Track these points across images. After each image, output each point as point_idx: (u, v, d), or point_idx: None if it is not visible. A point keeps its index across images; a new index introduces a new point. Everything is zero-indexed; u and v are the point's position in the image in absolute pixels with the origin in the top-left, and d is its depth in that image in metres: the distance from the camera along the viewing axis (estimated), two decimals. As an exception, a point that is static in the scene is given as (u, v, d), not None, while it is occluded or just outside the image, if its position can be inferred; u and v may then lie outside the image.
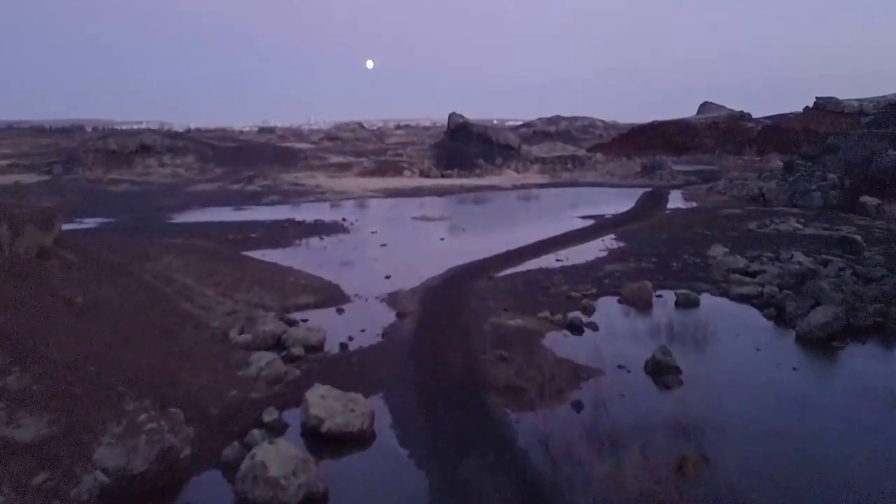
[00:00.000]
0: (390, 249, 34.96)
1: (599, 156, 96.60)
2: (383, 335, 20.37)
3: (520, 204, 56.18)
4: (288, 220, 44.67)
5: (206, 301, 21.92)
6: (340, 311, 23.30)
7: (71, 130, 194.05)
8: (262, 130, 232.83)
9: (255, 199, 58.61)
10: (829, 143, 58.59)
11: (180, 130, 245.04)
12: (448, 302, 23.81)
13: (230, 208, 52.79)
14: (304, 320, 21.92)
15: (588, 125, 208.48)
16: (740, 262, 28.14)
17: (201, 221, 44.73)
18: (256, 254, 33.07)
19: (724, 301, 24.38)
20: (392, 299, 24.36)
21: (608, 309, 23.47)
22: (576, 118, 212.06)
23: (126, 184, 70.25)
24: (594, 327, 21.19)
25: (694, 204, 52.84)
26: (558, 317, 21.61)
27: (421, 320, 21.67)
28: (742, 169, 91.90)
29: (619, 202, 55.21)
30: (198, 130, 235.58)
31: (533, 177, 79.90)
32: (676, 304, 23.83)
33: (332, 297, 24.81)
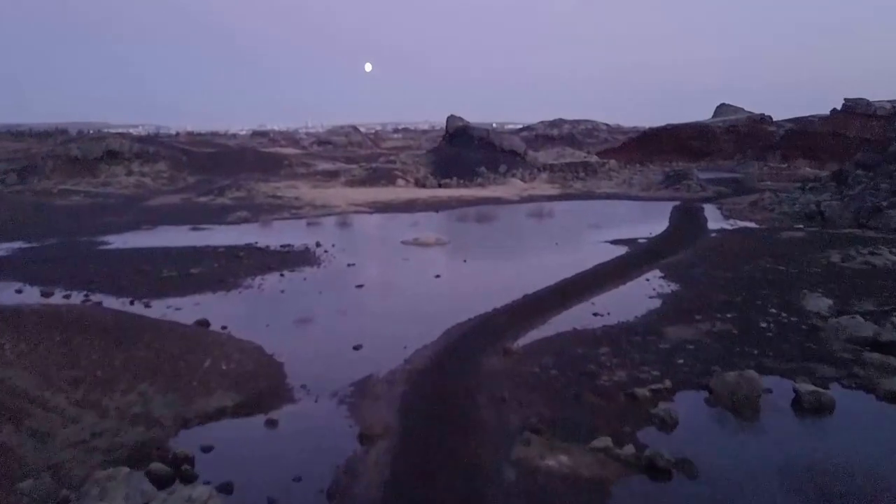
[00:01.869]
0: (368, 294, 26.38)
1: (613, 163, 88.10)
2: (331, 494, 11.77)
3: (531, 222, 47.64)
4: (248, 247, 36.06)
5: (45, 420, 13.34)
6: (272, 425, 14.68)
7: (53, 134, 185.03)
8: (255, 134, 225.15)
9: (220, 215, 50.03)
10: (893, 149, 50.09)
11: (175, 133, 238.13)
12: (444, 406, 15.23)
13: (187, 228, 44.20)
14: (207, 449, 13.35)
15: (592, 128, 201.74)
16: (865, 326, 19.53)
17: (140, 248, 36.13)
18: (186, 301, 24.63)
19: (871, 401, 15.77)
20: (357, 399, 15.78)
21: (697, 420, 14.87)
22: (578, 121, 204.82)
23: (78, 196, 61.63)
24: (688, 468, 12.55)
25: (740, 223, 44.29)
26: (627, 448, 12.98)
27: (399, 453, 13.06)
28: (772, 177, 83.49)
29: (648, 220, 46.68)
30: (189, 134, 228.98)
31: (542, 187, 71.37)
32: (798, 406, 15.30)
33: (265, 391, 16.21)
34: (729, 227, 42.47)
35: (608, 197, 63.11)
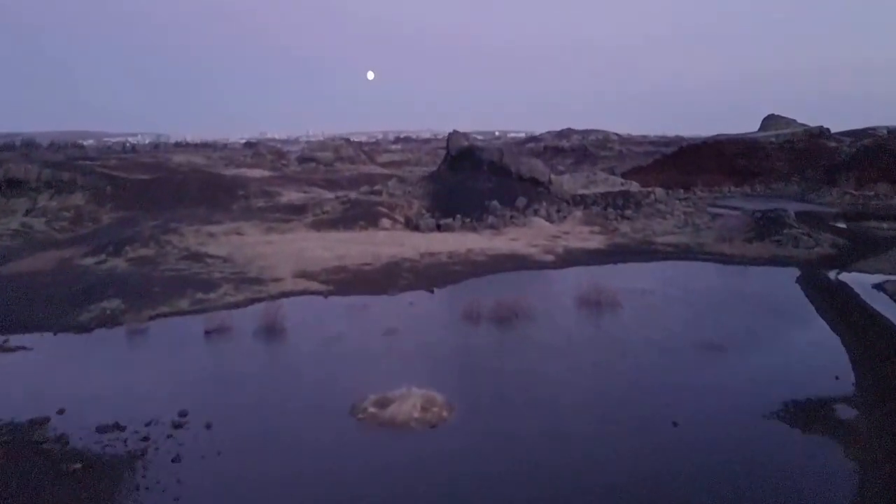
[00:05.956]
0: None
1: (659, 192, 68.70)
2: None
3: (590, 329, 28.18)
4: (22, 436, 16.90)
5: None
6: None
7: (13, 147, 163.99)
8: (247, 144, 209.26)
9: (80, 302, 30.83)
10: None
11: (174, 142, 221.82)
12: None
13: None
14: None
15: (603, 139, 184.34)
16: None
17: None
18: None
19: None
20: None
21: None
22: (588, 131, 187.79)
23: None
24: None
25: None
26: None
27: None
28: (868, 210, 63.76)
29: (783, 320, 27.62)
30: (177, 144, 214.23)
31: (578, 231, 52.13)
32: None
33: None
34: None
35: (677, 253, 43.80)
